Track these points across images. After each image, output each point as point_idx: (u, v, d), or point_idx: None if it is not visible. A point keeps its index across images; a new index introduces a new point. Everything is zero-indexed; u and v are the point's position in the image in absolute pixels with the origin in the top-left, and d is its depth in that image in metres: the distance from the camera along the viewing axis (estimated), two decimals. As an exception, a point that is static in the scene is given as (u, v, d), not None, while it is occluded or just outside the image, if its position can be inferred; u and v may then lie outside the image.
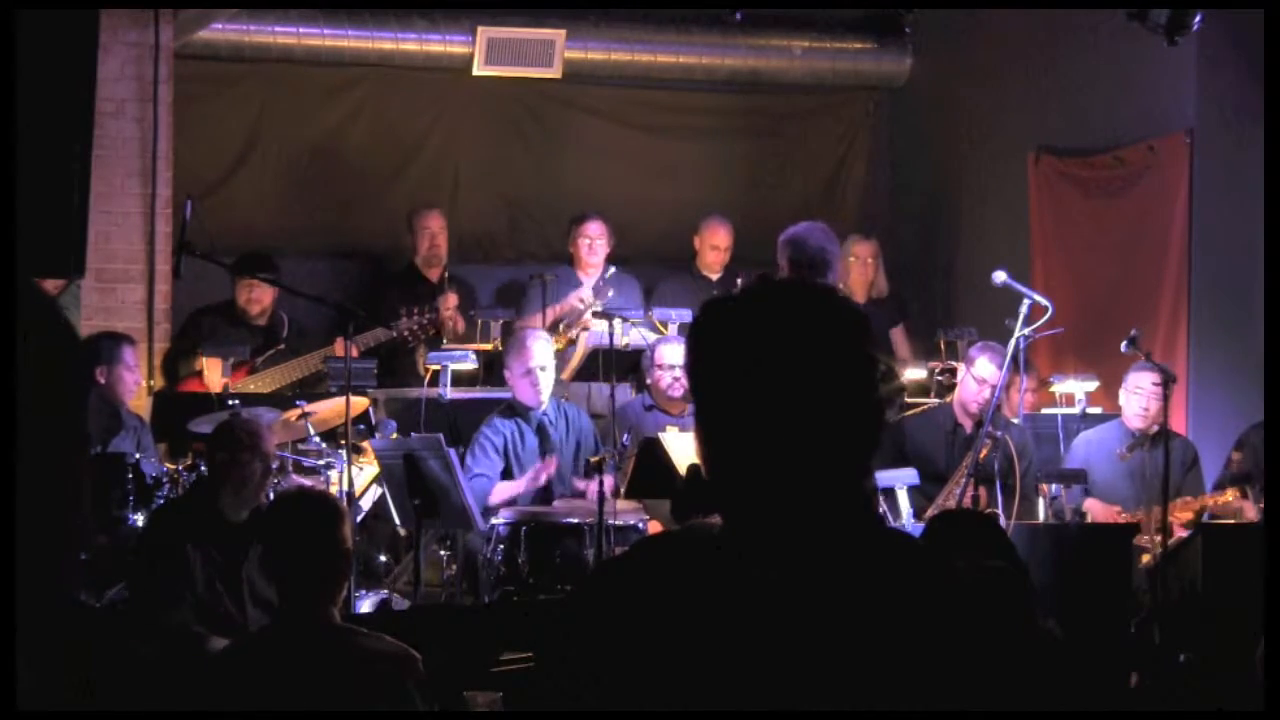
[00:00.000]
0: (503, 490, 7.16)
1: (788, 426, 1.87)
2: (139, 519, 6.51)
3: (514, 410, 7.38)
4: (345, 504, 6.37)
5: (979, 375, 7.47)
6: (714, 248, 9.39)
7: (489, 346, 8.33)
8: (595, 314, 8.28)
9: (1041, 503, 7.53)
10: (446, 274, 9.08)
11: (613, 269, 8.81)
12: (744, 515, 1.90)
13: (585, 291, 8.63)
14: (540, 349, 7.33)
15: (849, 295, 6.83)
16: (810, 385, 1.88)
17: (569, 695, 1.89)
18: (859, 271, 9.19)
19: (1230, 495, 7.33)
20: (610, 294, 8.45)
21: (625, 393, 8.00)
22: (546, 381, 7.32)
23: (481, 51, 9.71)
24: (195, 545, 5.69)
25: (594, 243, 8.99)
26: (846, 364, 1.90)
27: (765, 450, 1.88)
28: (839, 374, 1.89)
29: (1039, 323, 7.08)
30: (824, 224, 6.87)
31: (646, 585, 1.89)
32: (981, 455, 6.95)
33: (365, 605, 6.60)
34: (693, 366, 1.97)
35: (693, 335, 1.97)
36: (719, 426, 1.92)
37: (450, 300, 8.62)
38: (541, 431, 7.35)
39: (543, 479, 7.17)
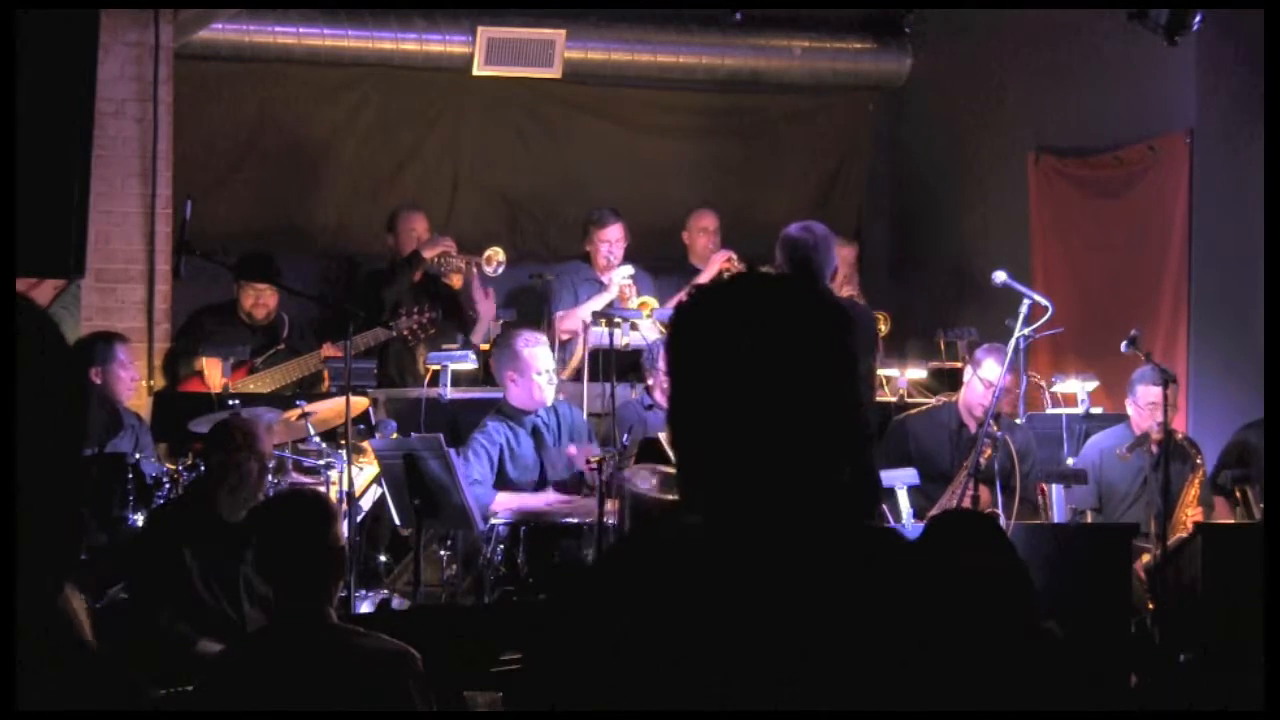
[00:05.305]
0: (504, 502, 7.10)
1: (763, 420, 1.86)
2: (139, 519, 6.50)
3: (506, 413, 7.31)
4: (345, 504, 6.40)
5: (986, 377, 7.43)
6: (704, 230, 9.39)
7: (488, 346, 8.32)
8: (595, 314, 8.27)
9: (1041, 504, 7.52)
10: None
11: (631, 269, 8.80)
12: (723, 511, 1.88)
13: (624, 270, 8.75)
14: (543, 354, 7.28)
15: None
16: (786, 378, 1.86)
17: (561, 695, 1.89)
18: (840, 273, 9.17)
19: (1194, 509, 7.36)
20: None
21: (625, 393, 7.99)
22: (549, 385, 7.28)
23: (481, 51, 9.71)
24: (193, 546, 5.68)
25: (614, 245, 8.89)
26: (823, 357, 1.89)
27: (743, 444, 1.87)
28: (815, 367, 1.88)
29: (1039, 323, 7.07)
30: (823, 226, 6.56)
31: (634, 583, 1.88)
32: (984, 458, 6.94)
33: (365, 605, 6.59)
34: (672, 358, 1.95)
35: (673, 327, 1.96)
36: (696, 419, 1.90)
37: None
38: (536, 435, 7.31)
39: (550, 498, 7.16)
